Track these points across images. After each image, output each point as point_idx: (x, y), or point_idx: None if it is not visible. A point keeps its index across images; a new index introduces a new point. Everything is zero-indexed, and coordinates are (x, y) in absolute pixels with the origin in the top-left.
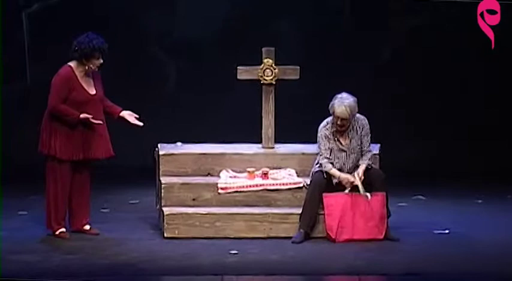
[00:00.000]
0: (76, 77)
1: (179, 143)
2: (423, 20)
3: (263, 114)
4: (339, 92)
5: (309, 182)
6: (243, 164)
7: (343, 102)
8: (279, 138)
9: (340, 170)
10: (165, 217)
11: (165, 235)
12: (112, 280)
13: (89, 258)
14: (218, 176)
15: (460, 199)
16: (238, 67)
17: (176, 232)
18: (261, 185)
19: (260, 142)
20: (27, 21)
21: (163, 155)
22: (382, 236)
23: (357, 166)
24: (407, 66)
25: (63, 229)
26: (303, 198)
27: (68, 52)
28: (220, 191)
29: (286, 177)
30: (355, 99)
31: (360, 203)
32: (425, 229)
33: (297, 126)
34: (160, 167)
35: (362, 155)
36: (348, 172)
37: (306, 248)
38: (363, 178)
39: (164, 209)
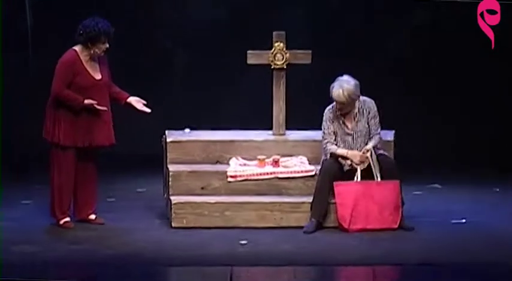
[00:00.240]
0: (81, 61)
1: (187, 130)
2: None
3: (274, 100)
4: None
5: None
6: (253, 152)
7: (341, 85)
8: (290, 125)
9: None
10: (172, 206)
11: (173, 224)
12: (118, 271)
13: (94, 248)
14: (227, 163)
15: (477, 187)
16: (248, 51)
17: (184, 221)
18: (271, 173)
19: (271, 128)
20: (30, 5)
21: (171, 142)
22: (396, 226)
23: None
24: (424, 50)
25: (67, 219)
26: (315, 186)
27: (72, 37)
28: (229, 179)
29: (298, 165)
30: (356, 82)
31: (373, 191)
32: (441, 218)
33: (308, 112)
34: (168, 154)
35: (370, 139)
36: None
37: (318, 238)
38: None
39: (172, 198)
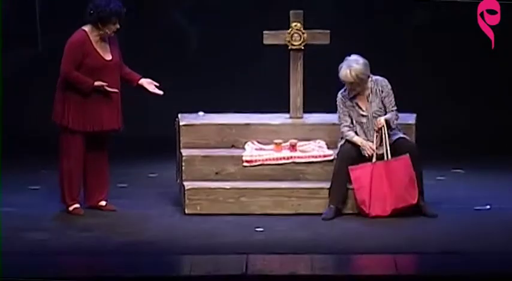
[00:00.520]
0: (90, 41)
1: (201, 113)
2: None
3: (291, 82)
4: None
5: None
6: (269, 136)
7: (349, 65)
8: (308, 108)
9: (364, 136)
10: (186, 192)
11: (186, 211)
12: (130, 259)
13: (105, 236)
14: (243, 148)
15: (502, 172)
16: (264, 31)
17: (198, 208)
18: (288, 158)
19: (288, 111)
20: None
21: (184, 125)
22: (414, 201)
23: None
24: (447, 30)
25: (77, 205)
26: (332, 172)
27: (82, 17)
28: (245, 164)
29: (316, 149)
30: (365, 61)
31: (387, 170)
32: (464, 204)
33: (327, 94)
34: (181, 138)
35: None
36: (372, 140)
37: (337, 225)
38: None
39: (185, 183)
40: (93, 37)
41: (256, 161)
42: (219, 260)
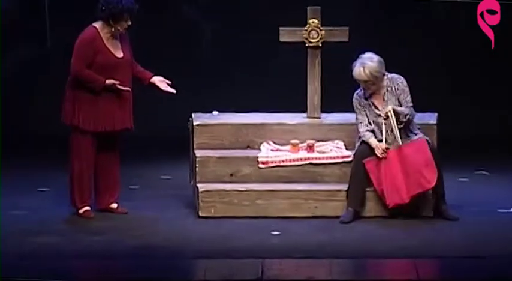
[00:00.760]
0: (101, 38)
1: (215, 113)
2: None
3: (308, 81)
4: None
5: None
6: (286, 136)
7: (362, 63)
8: (326, 107)
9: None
10: (200, 194)
11: (200, 214)
12: (142, 263)
13: (116, 239)
14: (258, 149)
15: None
16: (280, 28)
17: (212, 210)
18: (306, 159)
19: (305, 111)
20: None
21: (198, 125)
22: (431, 185)
23: (398, 131)
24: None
25: (87, 208)
26: (349, 173)
27: (93, 12)
28: (260, 165)
29: (334, 150)
30: (380, 59)
31: (402, 156)
32: (488, 207)
33: (345, 93)
34: (195, 139)
35: None
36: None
37: (356, 228)
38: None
39: (199, 185)
40: (104, 34)
41: (272, 162)
42: (234, 264)
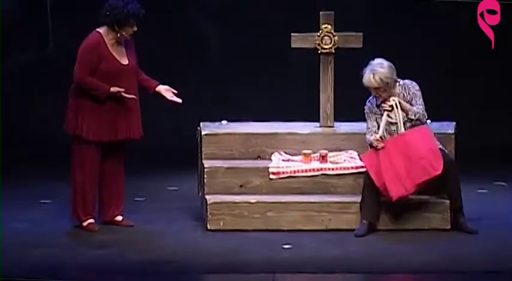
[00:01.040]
0: (106, 44)
1: (224, 122)
2: None
3: (321, 88)
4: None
5: None
6: (297, 146)
7: (372, 69)
8: (339, 116)
9: None
10: (208, 206)
11: (209, 226)
12: (148, 278)
13: (121, 253)
14: (269, 159)
15: None
16: (292, 34)
17: (221, 223)
18: (318, 170)
19: (317, 120)
20: None
21: (207, 135)
22: (438, 172)
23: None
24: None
25: (91, 220)
26: (362, 184)
27: (95, 14)
28: (271, 176)
29: (348, 160)
30: (390, 64)
31: (402, 144)
32: (508, 220)
33: (359, 102)
34: (203, 149)
35: None
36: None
37: (370, 242)
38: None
39: (207, 197)
40: (109, 40)
41: (283, 173)
42: (244, 279)
